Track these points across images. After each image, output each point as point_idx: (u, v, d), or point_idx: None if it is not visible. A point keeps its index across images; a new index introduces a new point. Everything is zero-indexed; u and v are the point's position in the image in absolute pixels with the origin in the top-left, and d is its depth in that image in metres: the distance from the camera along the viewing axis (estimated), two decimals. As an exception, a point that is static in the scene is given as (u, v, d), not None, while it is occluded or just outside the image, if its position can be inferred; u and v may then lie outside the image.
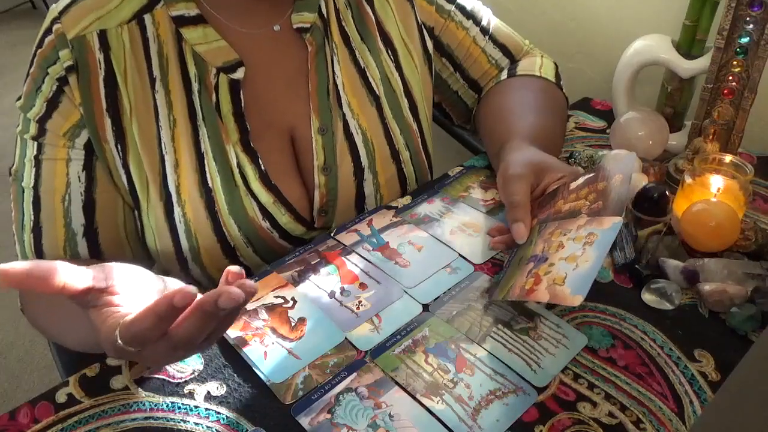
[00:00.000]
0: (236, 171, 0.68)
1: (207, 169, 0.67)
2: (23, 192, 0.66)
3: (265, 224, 0.70)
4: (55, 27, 0.63)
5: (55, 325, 0.64)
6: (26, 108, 0.65)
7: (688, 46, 0.82)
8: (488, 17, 0.86)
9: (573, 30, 1.10)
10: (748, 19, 0.71)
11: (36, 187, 0.65)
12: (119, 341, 0.43)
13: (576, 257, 0.54)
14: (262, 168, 0.69)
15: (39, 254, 0.67)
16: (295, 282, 0.65)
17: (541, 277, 0.56)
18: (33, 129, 0.64)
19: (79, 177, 0.65)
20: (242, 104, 0.67)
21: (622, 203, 0.55)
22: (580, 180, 0.64)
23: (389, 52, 0.77)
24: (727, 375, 0.55)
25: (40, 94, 0.63)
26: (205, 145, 0.67)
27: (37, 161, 0.65)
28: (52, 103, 0.63)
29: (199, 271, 0.71)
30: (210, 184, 0.67)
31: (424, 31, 0.80)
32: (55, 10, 0.64)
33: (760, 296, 0.59)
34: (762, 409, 0.37)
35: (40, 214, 0.66)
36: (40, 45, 0.63)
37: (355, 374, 0.55)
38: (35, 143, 0.65)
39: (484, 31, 0.85)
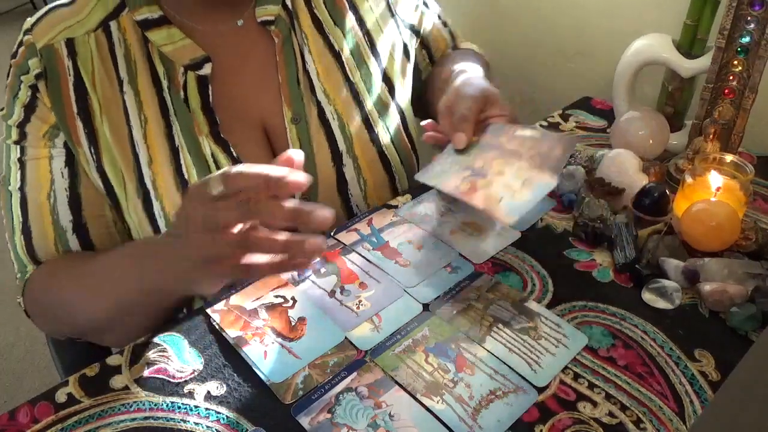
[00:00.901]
0: (211, 161, 0.69)
1: (183, 162, 0.68)
2: (11, 196, 0.68)
3: None
4: (25, 38, 0.66)
5: (80, 295, 0.65)
6: (7, 116, 0.67)
7: (689, 46, 0.82)
8: (438, 7, 0.92)
9: (573, 30, 1.10)
10: (749, 18, 0.71)
11: (22, 188, 0.67)
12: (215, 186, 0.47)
13: (513, 188, 0.59)
14: (234, 155, 0.69)
15: (32, 254, 0.68)
16: (295, 281, 0.65)
17: (477, 187, 0.60)
18: (15, 134, 0.67)
19: (62, 173, 0.67)
20: (210, 99, 0.69)
21: (559, 169, 0.60)
22: (527, 133, 0.64)
23: (365, 36, 0.79)
24: (727, 375, 0.55)
25: (17, 101, 0.66)
26: (180, 140, 0.68)
27: (21, 162, 0.67)
28: (30, 108, 0.66)
29: None
30: (186, 177, 0.68)
31: (398, 18, 0.83)
32: (28, 22, 0.67)
33: (761, 296, 0.59)
34: (762, 409, 0.37)
35: (28, 215, 0.67)
36: (14, 56, 0.67)
37: (355, 374, 0.55)
38: (18, 147, 0.67)
39: (440, 17, 0.91)
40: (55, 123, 0.66)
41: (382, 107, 0.78)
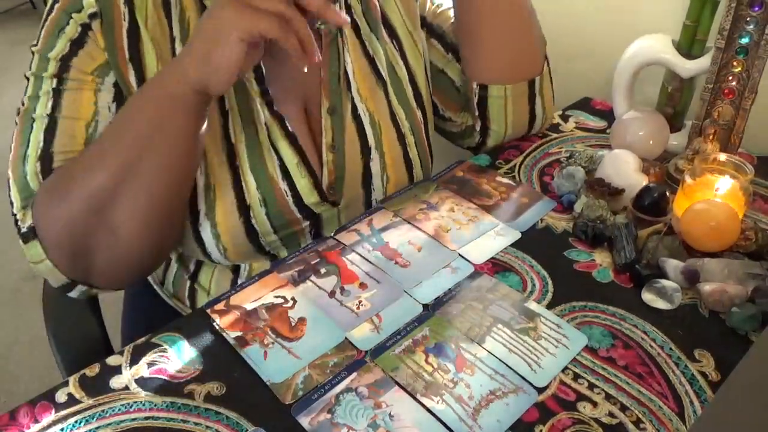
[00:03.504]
0: (262, 128, 0.70)
1: (231, 124, 0.69)
2: (33, 122, 0.65)
3: (283, 185, 0.72)
4: None
5: (94, 153, 0.63)
6: (46, 49, 0.65)
7: (689, 46, 0.82)
8: None
9: (573, 30, 1.10)
10: (748, 19, 0.71)
11: (53, 115, 0.65)
12: None
13: (460, 222, 0.73)
14: (290, 129, 0.71)
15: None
16: (295, 282, 0.65)
17: (430, 218, 0.73)
18: (53, 67, 0.65)
19: (109, 107, 0.66)
20: (263, 69, 0.70)
21: (513, 221, 0.74)
22: (505, 179, 0.81)
23: (394, 42, 0.81)
24: (727, 375, 0.55)
25: (63, 35, 0.64)
26: (231, 102, 0.69)
27: (57, 92, 0.65)
28: (78, 43, 0.65)
29: (209, 227, 0.71)
30: (233, 140, 0.69)
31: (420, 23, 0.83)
32: None
33: (761, 296, 0.59)
34: (762, 409, 0.37)
35: (54, 139, 0.65)
36: None
37: (355, 374, 0.55)
38: (55, 79, 0.65)
39: None
40: (105, 62, 0.65)
41: (409, 109, 0.80)
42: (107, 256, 0.65)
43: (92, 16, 0.64)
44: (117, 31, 0.65)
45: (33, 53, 0.66)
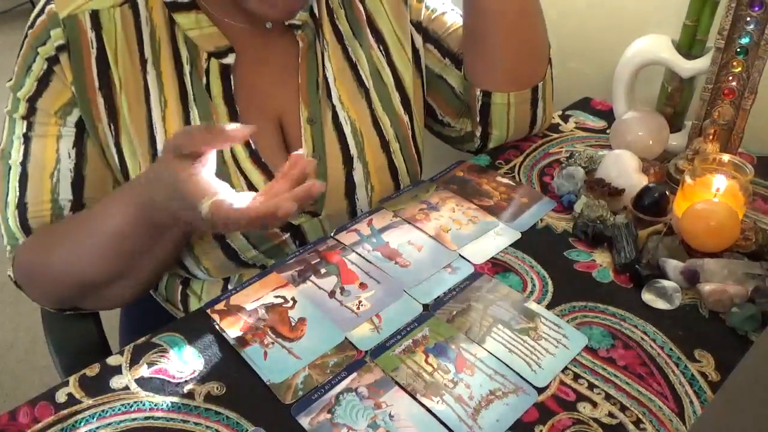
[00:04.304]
0: (227, 150, 0.69)
1: None
2: (10, 169, 0.67)
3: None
4: (47, 8, 0.64)
5: (74, 244, 0.65)
6: (16, 88, 0.66)
7: (689, 46, 0.82)
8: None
9: (573, 30, 1.10)
10: (748, 19, 0.71)
11: (24, 163, 0.66)
12: (204, 211, 0.51)
13: (460, 222, 0.73)
14: (253, 147, 0.70)
15: (25, 228, 0.68)
16: (295, 282, 0.65)
17: (431, 218, 0.73)
18: (23, 108, 0.66)
19: (69, 154, 0.67)
20: (232, 88, 0.69)
21: (513, 221, 0.74)
22: (505, 179, 0.81)
23: (380, 47, 0.79)
24: (727, 375, 0.55)
25: (30, 73, 0.65)
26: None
27: (26, 138, 0.66)
28: (43, 83, 0.65)
29: (187, 252, 0.72)
30: None
31: (412, 29, 0.82)
32: None
33: (761, 296, 0.59)
34: (762, 409, 0.37)
35: (26, 191, 0.67)
36: (31, 26, 0.65)
37: (355, 374, 0.55)
38: (25, 122, 0.66)
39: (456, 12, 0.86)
40: (69, 100, 0.65)
41: (394, 116, 0.79)
42: (93, 305, 0.72)
43: (60, 48, 0.64)
44: (86, 61, 0.65)
45: (9, 89, 0.67)
